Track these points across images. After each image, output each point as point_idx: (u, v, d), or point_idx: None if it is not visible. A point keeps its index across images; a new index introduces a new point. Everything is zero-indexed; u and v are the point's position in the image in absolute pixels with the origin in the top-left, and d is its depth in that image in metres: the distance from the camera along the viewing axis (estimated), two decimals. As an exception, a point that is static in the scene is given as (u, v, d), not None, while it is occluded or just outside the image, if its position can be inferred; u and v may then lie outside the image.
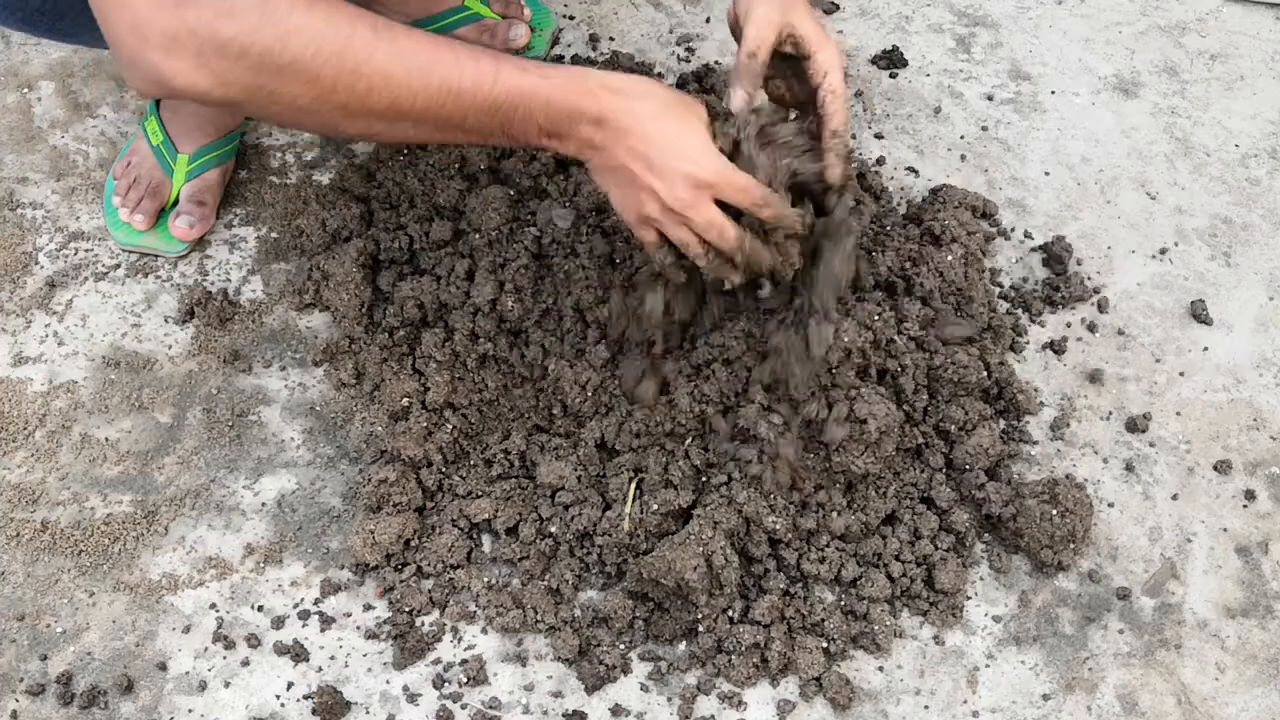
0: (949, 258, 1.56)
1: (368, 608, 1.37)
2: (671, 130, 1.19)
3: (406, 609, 1.36)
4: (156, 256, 1.64)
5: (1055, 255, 1.66)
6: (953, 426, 1.45)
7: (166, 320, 1.58)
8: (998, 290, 1.65)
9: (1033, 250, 1.69)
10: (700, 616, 1.33)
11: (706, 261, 1.25)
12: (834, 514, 1.36)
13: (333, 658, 1.34)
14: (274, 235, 1.67)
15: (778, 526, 1.33)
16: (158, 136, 1.65)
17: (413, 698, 1.31)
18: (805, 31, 1.26)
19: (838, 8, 1.98)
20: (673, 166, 1.18)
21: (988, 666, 1.36)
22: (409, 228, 1.59)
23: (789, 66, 1.30)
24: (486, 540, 1.42)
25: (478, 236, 1.54)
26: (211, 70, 1.06)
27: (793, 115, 1.31)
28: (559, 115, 1.17)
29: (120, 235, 1.64)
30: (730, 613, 1.34)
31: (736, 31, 1.30)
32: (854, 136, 1.43)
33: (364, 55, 1.09)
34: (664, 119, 1.19)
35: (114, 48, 1.10)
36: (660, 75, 1.85)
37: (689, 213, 1.20)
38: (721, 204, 1.22)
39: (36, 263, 1.63)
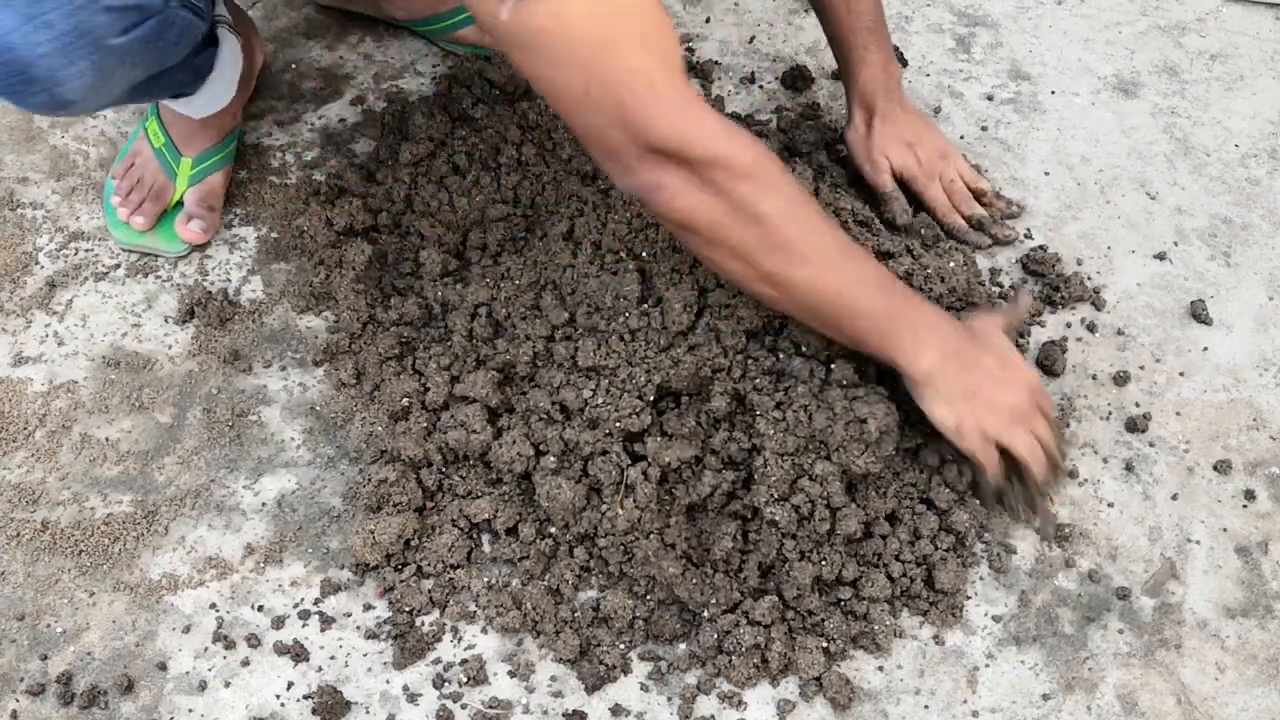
0: (950, 264, 1.55)
1: (368, 608, 1.37)
2: (1003, 346, 1.32)
3: (406, 609, 1.36)
4: (156, 256, 1.64)
5: (1035, 270, 1.67)
6: (953, 426, 1.45)
7: (166, 320, 1.58)
8: (998, 291, 1.65)
9: (1030, 251, 1.69)
10: (701, 610, 1.33)
11: (1041, 467, 1.33)
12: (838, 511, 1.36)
13: (333, 658, 1.34)
14: (274, 235, 1.67)
15: (778, 517, 1.33)
16: (159, 139, 1.65)
17: (413, 698, 1.31)
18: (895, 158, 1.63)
19: (838, 8, 1.98)
20: (1016, 379, 1.27)
21: (987, 666, 1.36)
22: (412, 237, 1.59)
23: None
24: (486, 540, 1.42)
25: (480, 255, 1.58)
26: (698, 203, 1.16)
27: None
28: (928, 334, 1.26)
29: (119, 235, 1.64)
30: (725, 605, 1.34)
31: (853, 156, 1.65)
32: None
33: (815, 270, 1.20)
34: (993, 337, 1.31)
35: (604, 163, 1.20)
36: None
37: (1030, 420, 1.29)
38: None
39: (36, 263, 1.63)
